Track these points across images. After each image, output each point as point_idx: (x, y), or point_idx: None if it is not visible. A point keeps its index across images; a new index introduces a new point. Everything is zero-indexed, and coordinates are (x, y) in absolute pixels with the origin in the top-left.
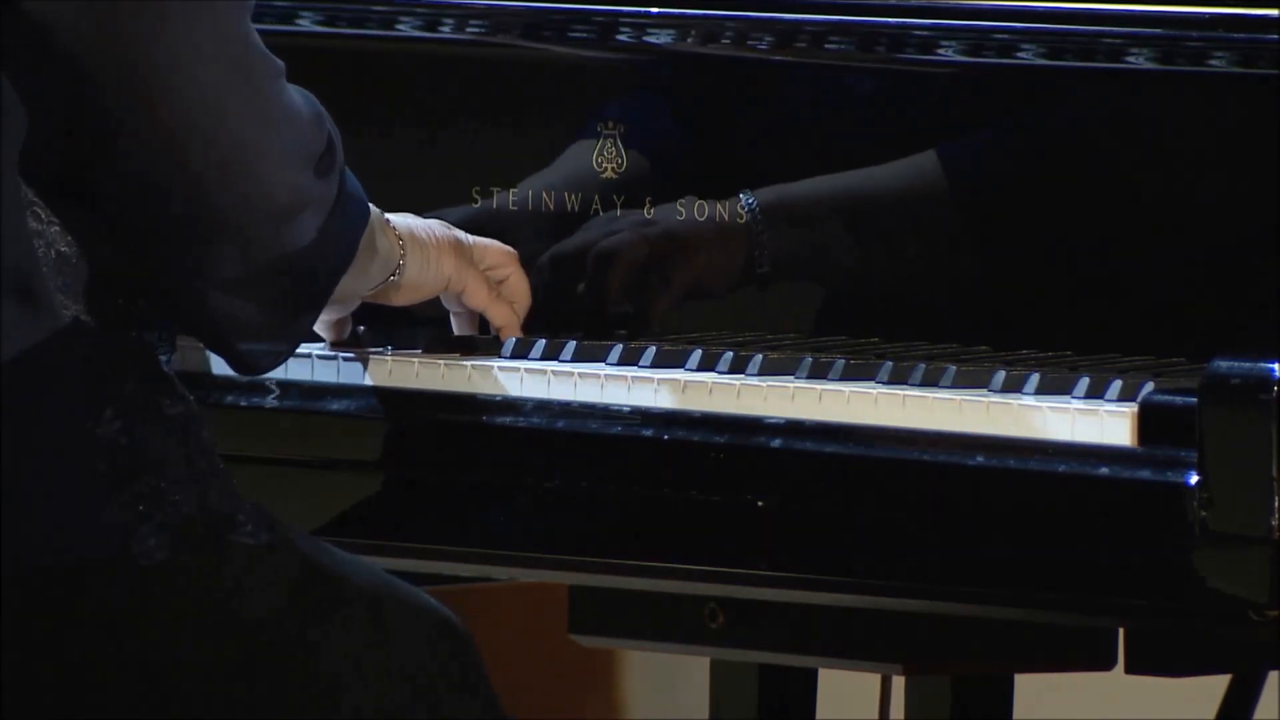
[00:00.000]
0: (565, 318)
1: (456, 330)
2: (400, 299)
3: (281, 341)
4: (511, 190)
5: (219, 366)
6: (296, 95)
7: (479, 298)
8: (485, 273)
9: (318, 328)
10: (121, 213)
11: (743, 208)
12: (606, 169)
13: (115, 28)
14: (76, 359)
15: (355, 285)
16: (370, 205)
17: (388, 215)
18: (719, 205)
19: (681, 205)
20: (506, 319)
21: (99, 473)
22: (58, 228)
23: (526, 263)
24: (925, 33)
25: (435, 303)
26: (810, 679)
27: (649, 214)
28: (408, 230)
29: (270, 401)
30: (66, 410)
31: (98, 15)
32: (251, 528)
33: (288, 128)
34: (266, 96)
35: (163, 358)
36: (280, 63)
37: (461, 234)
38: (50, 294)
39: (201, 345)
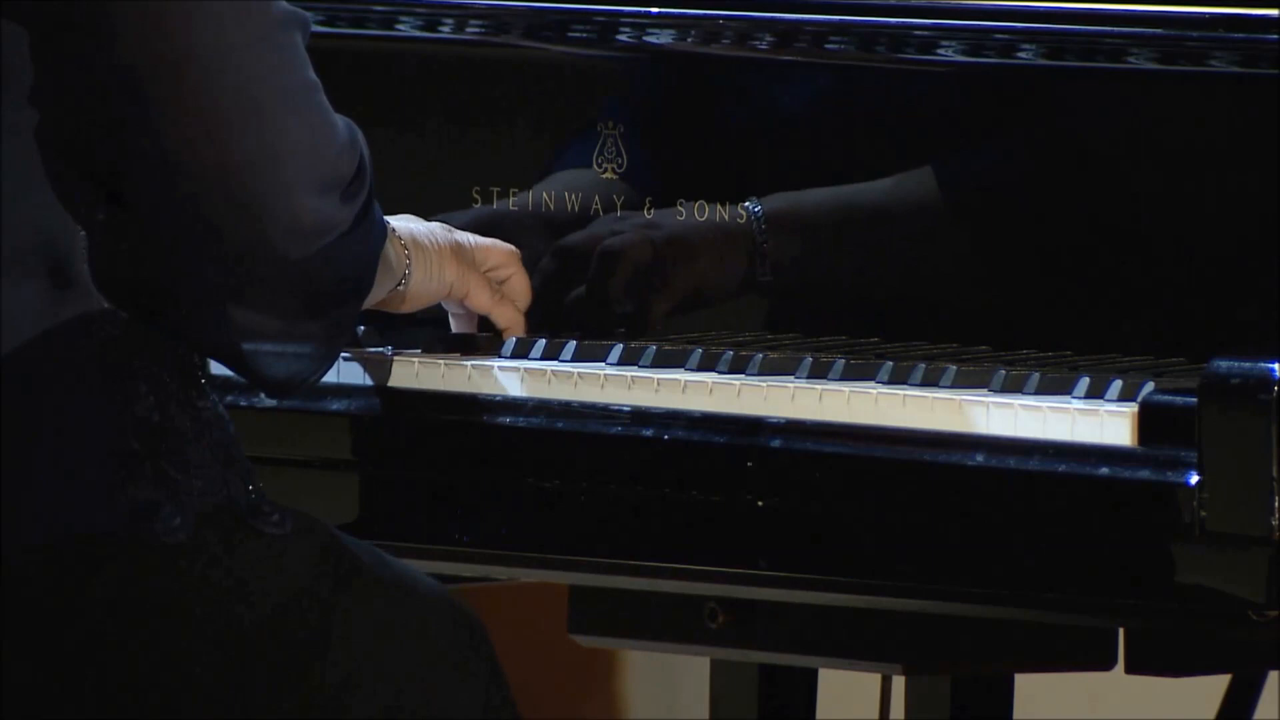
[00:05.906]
0: (566, 316)
1: (455, 330)
2: (405, 307)
3: (309, 361)
4: (512, 190)
5: (217, 367)
6: (337, 117)
7: (482, 301)
8: (487, 274)
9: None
10: (151, 216)
11: (747, 212)
12: (606, 169)
13: (161, 16)
14: (114, 336)
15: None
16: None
17: (393, 219)
18: (719, 207)
19: (681, 205)
20: (511, 320)
21: (130, 450)
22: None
23: (527, 262)
24: (925, 33)
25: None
26: (810, 679)
27: (649, 213)
28: (412, 239)
29: (270, 401)
30: (101, 385)
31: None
32: (277, 518)
33: (322, 141)
34: (307, 104)
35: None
36: (316, 79)
37: (462, 236)
38: (86, 278)
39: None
